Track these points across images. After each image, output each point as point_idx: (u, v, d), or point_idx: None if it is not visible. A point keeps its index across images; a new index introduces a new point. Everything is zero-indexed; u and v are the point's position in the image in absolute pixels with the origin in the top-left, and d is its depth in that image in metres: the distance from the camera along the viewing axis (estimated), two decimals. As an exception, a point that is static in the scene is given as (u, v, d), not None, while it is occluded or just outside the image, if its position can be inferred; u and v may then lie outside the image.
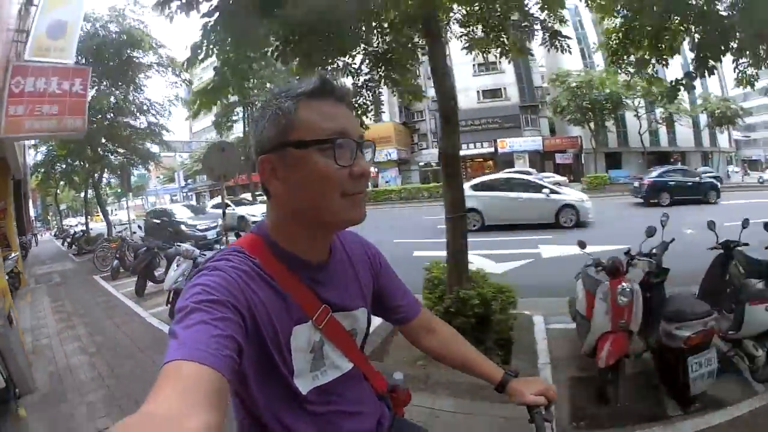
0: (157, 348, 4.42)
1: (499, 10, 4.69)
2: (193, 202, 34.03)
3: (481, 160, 33.03)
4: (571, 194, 11.84)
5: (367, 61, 5.18)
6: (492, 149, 31.93)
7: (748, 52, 5.02)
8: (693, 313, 2.49)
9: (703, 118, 30.96)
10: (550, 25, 4.95)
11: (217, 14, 3.27)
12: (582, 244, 3.25)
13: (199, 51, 3.85)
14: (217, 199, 20.46)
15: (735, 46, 4.88)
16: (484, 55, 5.59)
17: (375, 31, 5.08)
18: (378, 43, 5.25)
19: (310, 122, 0.72)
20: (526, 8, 4.75)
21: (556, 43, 4.97)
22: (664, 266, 3.06)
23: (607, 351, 2.57)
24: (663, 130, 31.92)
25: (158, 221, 14.06)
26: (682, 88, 5.63)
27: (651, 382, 2.85)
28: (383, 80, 5.36)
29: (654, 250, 3.12)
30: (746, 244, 3.22)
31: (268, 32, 3.59)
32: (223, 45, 3.92)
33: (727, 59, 5.16)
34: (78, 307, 6.88)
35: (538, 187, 11.58)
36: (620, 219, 12.35)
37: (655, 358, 2.87)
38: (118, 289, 7.81)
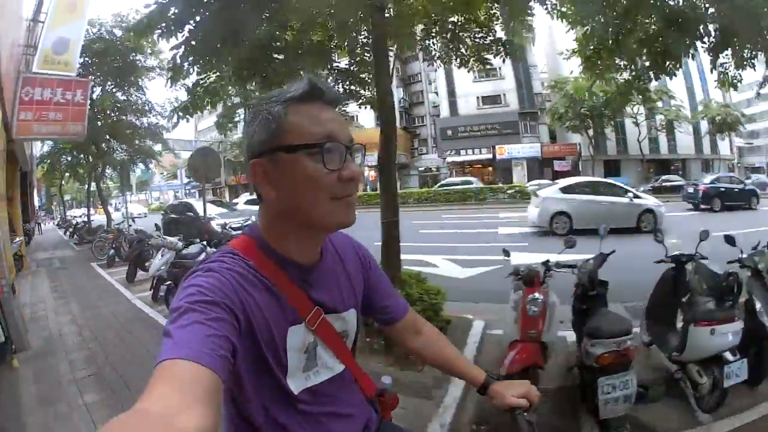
0: (137, 324, 5.16)
1: (455, 21, 5.01)
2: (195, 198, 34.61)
3: (480, 166, 33.15)
4: (649, 199, 11.58)
5: (331, 77, 5.83)
6: (490, 155, 31.96)
7: (728, 52, 4.63)
8: (608, 331, 2.30)
9: (704, 125, 30.50)
10: (507, 36, 5.20)
11: (183, 47, 3.92)
12: (506, 252, 3.30)
13: (180, 71, 4.55)
14: (249, 196, 20.83)
15: (711, 42, 4.50)
16: (445, 66, 6.15)
17: (344, 49, 5.72)
18: (341, 61, 5.92)
19: (299, 126, 0.72)
20: (488, 17, 5.01)
21: (510, 52, 5.27)
22: (603, 279, 2.88)
23: (510, 359, 2.46)
24: (663, 137, 31.55)
25: (178, 216, 13.01)
26: (634, 90, 5.48)
27: (576, 398, 2.71)
28: (346, 92, 6.01)
29: (590, 261, 2.96)
30: (704, 258, 3.02)
31: (228, 61, 4.20)
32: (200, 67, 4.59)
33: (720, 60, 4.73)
34: (74, 288, 7.61)
35: (622, 191, 11.31)
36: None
37: (579, 375, 2.71)
38: (112, 276, 8.50)
